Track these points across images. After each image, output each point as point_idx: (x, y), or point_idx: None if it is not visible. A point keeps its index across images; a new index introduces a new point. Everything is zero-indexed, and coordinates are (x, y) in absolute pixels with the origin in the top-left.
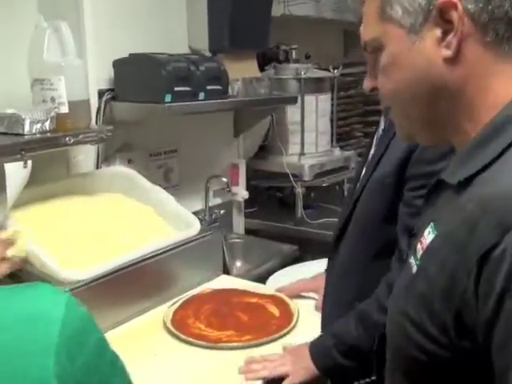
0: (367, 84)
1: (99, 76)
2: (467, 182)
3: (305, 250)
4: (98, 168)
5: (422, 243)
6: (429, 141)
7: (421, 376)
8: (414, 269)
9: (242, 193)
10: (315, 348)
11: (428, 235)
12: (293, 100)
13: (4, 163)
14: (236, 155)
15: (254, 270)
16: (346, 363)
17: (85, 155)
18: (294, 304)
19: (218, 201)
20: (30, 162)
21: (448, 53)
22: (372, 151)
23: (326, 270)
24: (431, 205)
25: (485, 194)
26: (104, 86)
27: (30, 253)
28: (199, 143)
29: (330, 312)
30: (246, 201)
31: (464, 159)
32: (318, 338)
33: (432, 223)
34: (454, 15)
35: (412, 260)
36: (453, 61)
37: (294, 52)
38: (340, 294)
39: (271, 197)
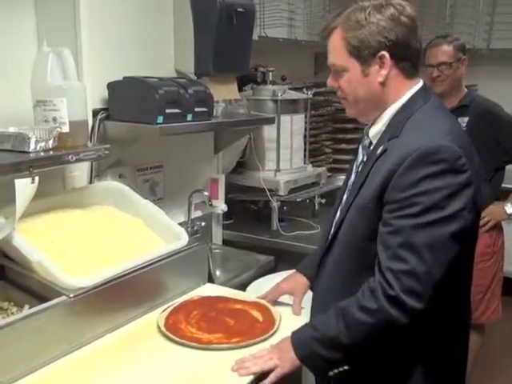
0: (330, 83)
1: (94, 96)
2: None
3: (280, 261)
4: (91, 183)
5: None
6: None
7: None
8: None
9: (221, 206)
10: (295, 336)
11: None
12: (271, 120)
13: (14, 179)
14: (216, 170)
15: (233, 279)
16: (323, 353)
17: (80, 171)
18: (275, 310)
19: (199, 213)
20: (37, 178)
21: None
22: (352, 179)
23: (313, 284)
24: None
25: None
26: (98, 106)
27: (34, 261)
28: (182, 159)
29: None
30: (223, 213)
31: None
32: (299, 330)
33: None
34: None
35: None
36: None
37: (270, 74)
38: (327, 304)
39: (247, 209)
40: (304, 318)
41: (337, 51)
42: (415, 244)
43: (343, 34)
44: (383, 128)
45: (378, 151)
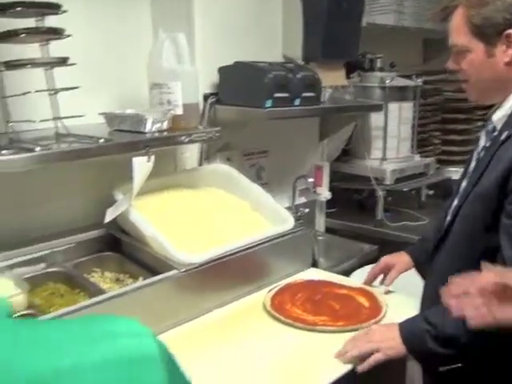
0: (451, 65)
1: (204, 81)
2: None
3: (384, 251)
4: (200, 165)
5: None
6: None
7: None
8: None
9: (325, 193)
10: (406, 329)
11: None
12: (379, 107)
13: (132, 158)
14: (320, 158)
15: (336, 266)
16: (437, 349)
17: (190, 153)
18: (382, 297)
19: (303, 200)
20: (153, 157)
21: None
22: (472, 165)
23: (423, 272)
24: None
25: None
26: (208, 91)
27: (149, 236)
28: (288, 145)
29: None
30: (326, 201)
31: None
32: (410, 321)
33: None
34: None
35: None
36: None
37: (378, 61)
38: (439, 297)
39: (350, 199)
40: (411, 310)
41: (459, 31)
42: None
43: (465, 12)
44: (509, 111)
45: (502, 137)
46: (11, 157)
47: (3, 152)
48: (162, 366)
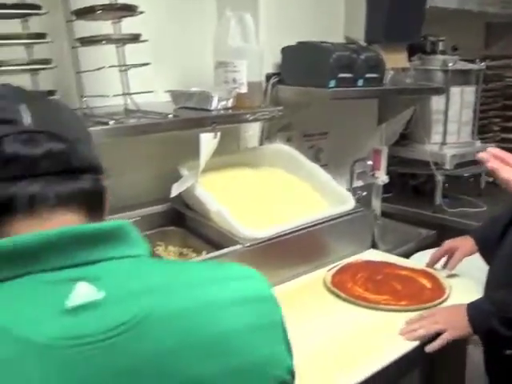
0: None
1: (267, 61)
2: None
3: (442, 236)
4: (261, 145)
5: None
6: None
7: None
8: None
9: (382, 177)
10: (474, 310)
11: None
12: (440, 90)
13: (200, 134)
14: (379, 141)
15: (393, 250)
16: (502, 331)
17: (252, 132)
18: (444, 279)
19: (360, 183)
20: (219, 134)
21: None
22: None
23: (491, 260)
24: None
25: None
26: (270, 71)
27: (214, 211)
28: (347, 128)
29: None
30: (383, 186)
31: None
32: (476, 302)
33: None
34: None
35: None
36: None
37: (441, 44)
38: (506, 278)
39: (405, 184)
40: (475, 294)
41: None
42: None
43: None
44: None
45: None
46: None
47: None
48: (279, 306)
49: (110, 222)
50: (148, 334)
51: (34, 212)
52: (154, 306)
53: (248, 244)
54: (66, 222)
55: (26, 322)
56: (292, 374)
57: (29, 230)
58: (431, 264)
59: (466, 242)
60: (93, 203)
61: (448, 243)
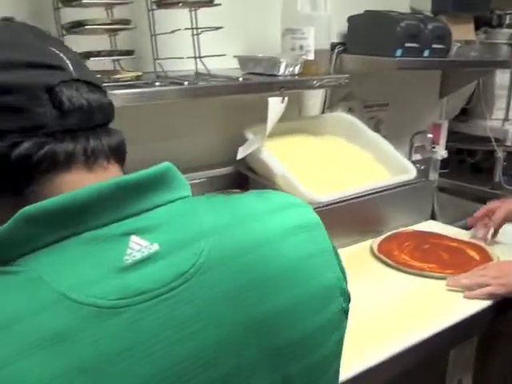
0: None
1: (332, 30)
2: None
3: None
4: (322, 113)
5: None
6: None
7: None
8: None
9: (441, 151)
10: None
11: None
12: (507, 64)
13: (268, 98)
14: (439, 115)
15: (450, 224)
16: None
17: (315, 100)
18: (493, 251)
19: (418, 157)
20: (286, 98)
21: None
22: None
23: None
24: None
25: None
26: (335, 40)
27: (279, 174)
28: (407, 101)
29: None
30: (440, 161)
31: None
32: None
33: None
34: None
35: None
36: None
37: (508, 17)
38: None
39: (462, 161)
40: None
41: None
42: None
43: None
44: None
45: None
46: (163, 88)
47: (156, 84)
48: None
49: (155, 167)
50: (211, 277)
51: (91, 166)
52: (214, 247)
53: (314, 207)
54: (116, 174)
55: (86, 286)
56: (349, 298)
57: (83, 185)
58: (472, 222)
59: (508, 200)
60: (124, 155)
61: (489, 203)
